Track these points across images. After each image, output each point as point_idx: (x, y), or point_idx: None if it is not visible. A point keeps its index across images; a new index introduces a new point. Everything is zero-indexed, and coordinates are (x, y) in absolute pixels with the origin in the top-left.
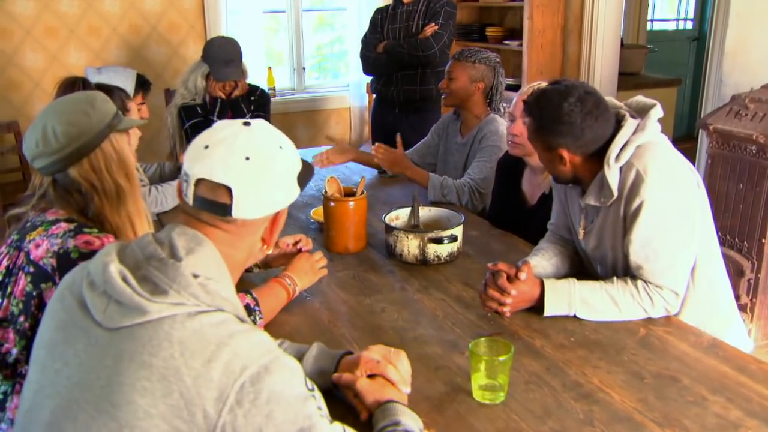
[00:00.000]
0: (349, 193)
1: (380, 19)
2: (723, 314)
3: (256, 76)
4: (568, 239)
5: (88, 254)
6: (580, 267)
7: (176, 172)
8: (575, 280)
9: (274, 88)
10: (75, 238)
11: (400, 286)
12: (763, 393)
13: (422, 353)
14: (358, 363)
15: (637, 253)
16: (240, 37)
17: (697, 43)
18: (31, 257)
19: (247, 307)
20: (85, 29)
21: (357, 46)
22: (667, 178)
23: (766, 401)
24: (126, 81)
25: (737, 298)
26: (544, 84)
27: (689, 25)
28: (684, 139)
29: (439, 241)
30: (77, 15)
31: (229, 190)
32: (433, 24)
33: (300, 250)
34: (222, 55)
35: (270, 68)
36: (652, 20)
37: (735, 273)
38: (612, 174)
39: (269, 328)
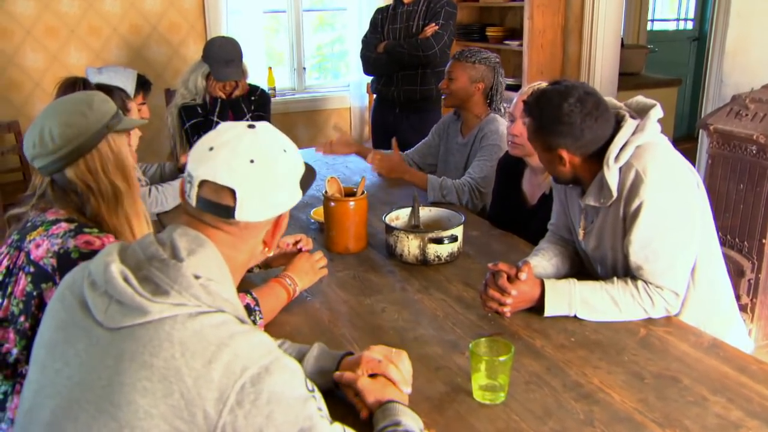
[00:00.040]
0: (350, 193)
1: (380, 19)
2: (723, 314)
3: (256, 76)
4: (568, 239)
5: (89, 254)
6: (581, 267)
7: (176, 172)
8: (575, 280)
9: (274, 88)
10: (75, 238)
11: (400, 286)
12: (763, 393)
13: (422, 353)
14: (359, 362)
15: (637, 254)
16: (240, 37)
17: (697, 43)
18: (32, 257)
19: (248, 307)
20: (86, 29)
21: (357, 46)
22: (666, 179)
23: (766, 401)
24: (126, 81)
25: (738, 298)
26: (544, 84)
27: (689, 25)
28: (684, 140)
29: (439, 241)
30: (78, 15)
31: (232, 192)
32: (434, 24)
33: (300, 250)
34: (222, 55)
35: (270, 68)
36: (652, 20)
37: (735, 273)
38: (611, 174)
39: (269, 328)
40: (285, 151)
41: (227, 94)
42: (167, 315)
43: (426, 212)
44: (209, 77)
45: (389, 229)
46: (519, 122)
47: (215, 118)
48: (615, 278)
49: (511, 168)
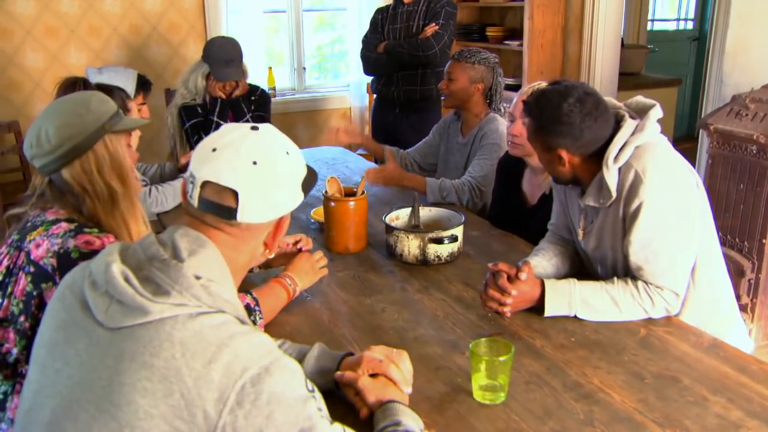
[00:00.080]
0: (350, 193)
1: (381, 19)
2: (724, 314)
3: (256, 76)
4: (568, 239)
5: (89, 254)
6: (581, 267)
7: (176, 172)
8: (576, 280)
9: (274, 88)
10: (75, 238)
11: (400, 286)
12: (763, 393)
13: (422, 353)
14: (360, 362)
15: (636, 254)
16: (240, 37)
17: (697, 43)
18: (32, 257)
19: (248, 307)
20: (86, 29)
21: (357, 46)
22: (665, 179)
23: (766, 401)
24: (127, 81)
25: (738, 298)
26: (544, 84)
27: (690, 25)
28: (684, 139)
29: (439, 241)
30: (78, 15)
31: (235, 193)
32: (434, 24)
33: (300, 250)
34: (222, 55)
35: (270, 68)
36: (652, 20)
37: (735, 273)
38: (610, 175)
39: (269, 328)
40: (288, 153)
41: (227, 94)
42: (168, 315)
43: (426, 212)
44: (209, 77)
45: (389, 229)
46: (519, 122)
47: (215, 118)
48: (615, 278)
49: (511, 168)
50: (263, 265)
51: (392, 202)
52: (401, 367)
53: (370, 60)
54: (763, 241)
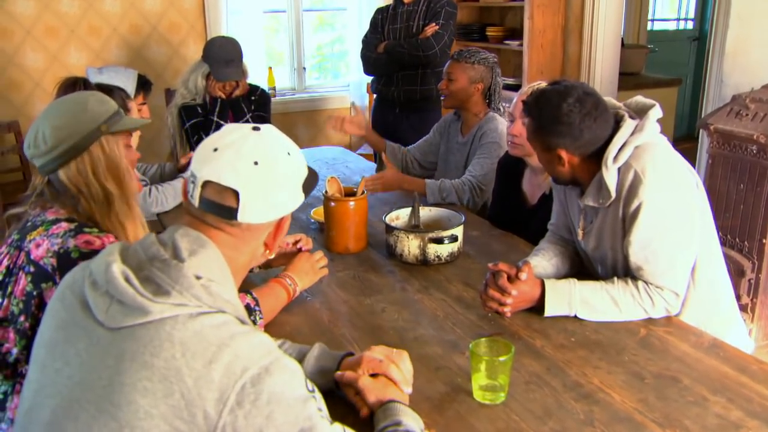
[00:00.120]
0: (350, 193)
1: (381, 19)
2: (724, 314)
3: (256, 76)
4: (568, 239)
5: (89, 254)
6: (581, 267)
7: (176, 172)
8: (576, 280)
9: (274, 88)
10: (75, 238)
11: (400, 286)
12: (763, 393)
13: (423, 353)
14: (360, 362)
15: (636, 255)
16: (240, 37)
17: (697, 43)
18: (32, 257)
19: (248, 307)
20: (86, 29)
21: (357, 46)
22: (665, 179)
23: (766, 401)
24: (127, 81)
25: (738, 298)
26: (543, 84)
27: (690, 25)
28: (684, 139)
29: (439, 241)
30: (78, 15)
31: (236, 193)
32: (434, 24)
33: (300, 250)
34: (222, 55)
35: (270, 68)
36: (652, 20)
37: (736, 273)
38: (610, 175)
39: (269, 328)
40: (289, 153)
41: (227, 94)
42: (168, 315)
43: (426, 212)
44: (209, 77)
45: (389, 229)
46: (518, 122)
47: (215, 118)
48: (615, 278)
49: (511, 168)
50: (263, 265)
51: (392, 202)
52: (401, 367)
53: (370, 60)
54: (763, 241)
